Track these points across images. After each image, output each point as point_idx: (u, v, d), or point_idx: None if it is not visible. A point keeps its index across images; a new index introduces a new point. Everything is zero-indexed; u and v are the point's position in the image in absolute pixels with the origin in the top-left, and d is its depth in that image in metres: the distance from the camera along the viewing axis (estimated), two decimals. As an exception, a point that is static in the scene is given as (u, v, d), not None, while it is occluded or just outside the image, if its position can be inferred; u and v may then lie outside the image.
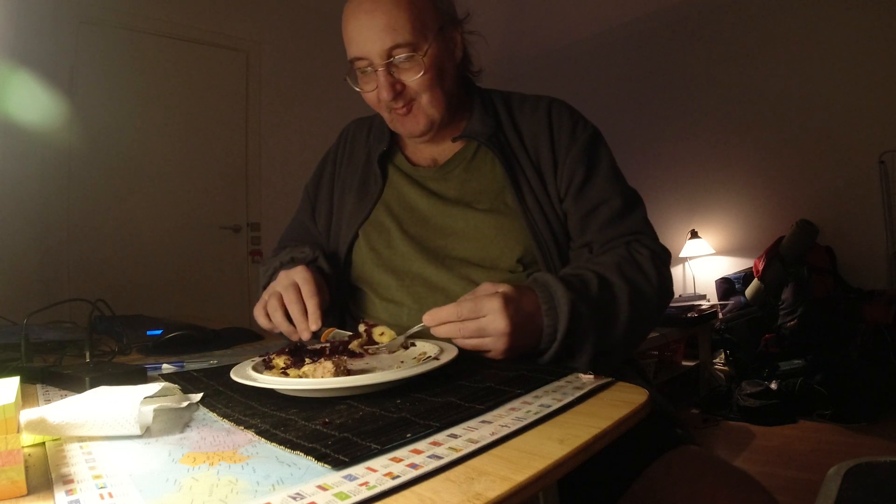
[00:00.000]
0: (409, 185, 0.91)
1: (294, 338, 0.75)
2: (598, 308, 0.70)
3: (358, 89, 0.86)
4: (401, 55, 0.78)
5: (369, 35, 0.78)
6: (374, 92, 0.83)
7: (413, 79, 0.81)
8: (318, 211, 1.01)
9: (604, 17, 4.00)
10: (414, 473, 0.35)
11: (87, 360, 0.73)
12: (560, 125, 0.88)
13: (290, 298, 0.74)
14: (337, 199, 0.98)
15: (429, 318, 0.64)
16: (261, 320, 0.78)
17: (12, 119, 2.52)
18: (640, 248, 0.80)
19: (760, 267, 3.02)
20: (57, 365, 0.71)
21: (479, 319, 0.62)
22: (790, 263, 2.89)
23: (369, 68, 0.81)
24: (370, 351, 0.69)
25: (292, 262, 0.87)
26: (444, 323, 0.63)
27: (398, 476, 0.34)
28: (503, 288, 0.64)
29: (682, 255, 3.62)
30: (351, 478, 0.35)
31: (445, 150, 0.92)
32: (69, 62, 2.80)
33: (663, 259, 0.81)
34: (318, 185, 1.02)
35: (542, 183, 0.86)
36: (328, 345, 0.71)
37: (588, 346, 0.69)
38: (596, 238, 0.83)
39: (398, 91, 0.81)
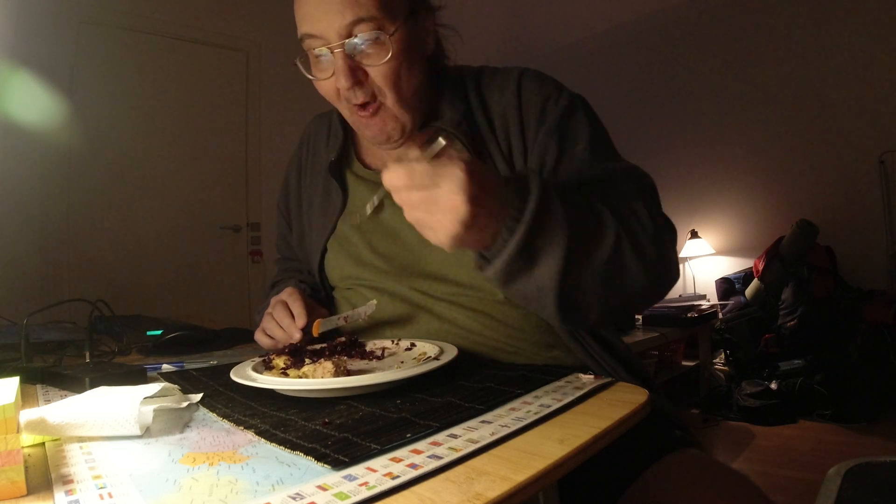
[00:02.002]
0: (372, 194, 0.82)
1: (293, 341, 0.75)
2: (574, 209, 0.57)
3: (310, 77, 0.73)
4: (363, 34, 0.66)
5: (326, 7, 0.66)
6: (329, 80, 0.71)
7: (377, 65, 0.68)
8: (292, 225, 0.97)
9: (604, 17, 4.00)
10: (414, 473, 0.35)
11: (87, 361, 0.73)
12: (529, 102, 0.75)
13: (279, 313, 0.77)
14: (305, 210, 0.92)
15: (386, 178, 0.53)
16: (264, 342, 0.78)
17: (12, 119, 2.52)
18: (640, 207, 0.65)
19: (760, 267, 3.02)
20: (57, 365, 0.71)
21: (431, 191, 0.51)
22: (790, 263, 2.89)
23: (324, 50, 0.69)
24: (377, 352, 0.69)
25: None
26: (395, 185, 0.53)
27: (398, 476, 0.34)
28: (465, 156, 0.52)
29: (682, 255, 3.62)
30: (351, 478, 0.35)
31: (409, 143, 0.81)
32: (69, 62, 2.80)
33: (671, 232, 0.67)
34: (287, 200, 0.97)
35: None
36: (327, 345, 0.71)
37: (556, 253, 0.54)
38: None
39: (359, 80, 0.69)
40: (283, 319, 0.76)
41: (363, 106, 0.72)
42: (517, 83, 0.77)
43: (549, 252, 0.55)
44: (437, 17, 0.78)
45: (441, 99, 0.79)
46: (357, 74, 0.68)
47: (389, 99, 0.71)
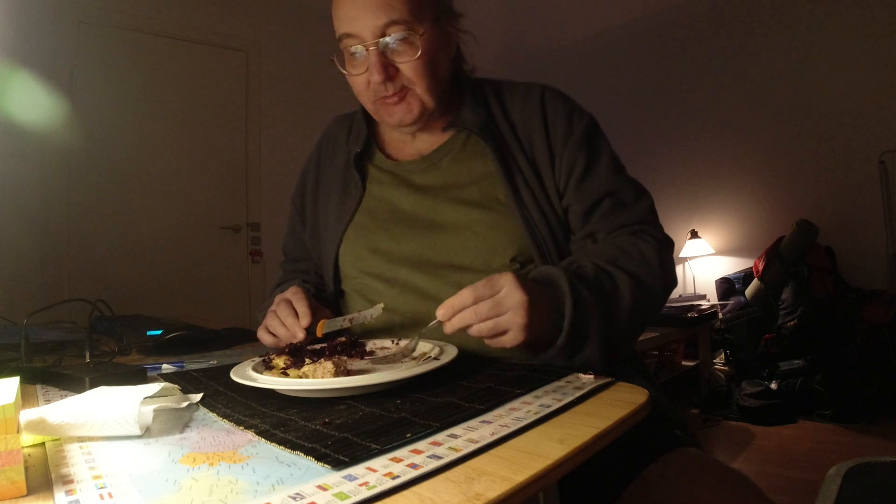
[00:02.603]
0: (392, 185, 0.87)
1: (296, 340, 0.75)
2: (598, 292, 0.67)
3: (345, 72, 0.81)
4: (395, 33, 0.74)
5: (362, 9, 0.73)
6: (363, 75, 0.78)
7: (407, 61, 0.76)
8: (307, 220, 0.99)
9: (604, 16, 4.00)
10: (414, 473, 0.35)
11: (87, 361, 0.73)
12: (555, 114, 0.84)
13: (283, 311, 0.77)
14: (322, 207, 0.95)
15: (444, 311, 0.61)
16: (266, 339, 0.78)
17: (12, 119, 2.52)
18: (646, 238, 0.78)
19: (760, 267, 3.02)
20: (57, 365, 0.71)
21: (494, 296, 0.60)
22: (790, 263, 2.89)
23: (359, 48, 0.76)
24: (377, 352, 0.69)
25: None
26: (460, 311, 0.60)
27: (398, 476, 0.34)
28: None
29: (682, 255, 3.62)
30: (351, 478, 0.35)
31: (433, 142, 0.88)
32: (69, 62, 2.80)
33: (669, 249, 0.79)
34: (303, 196, 1.00)
35: (537, 177, 0.82)
36: (327, 345, 0.71)
37: (595, 335, 0.66)
38: (600, 227, 0.81)
39: (390, 75, 0.77)
40: (287, 318, 0.76)
41: (390, 96, 0.79)
42: (540, 97, 0.86)
43: (589, 337, 0.66)
44: (459, 24, 0.85)
45: (461, 102, 0.87)
46: (388, 70, 0.76)
47: (419, 88, 0.79)
